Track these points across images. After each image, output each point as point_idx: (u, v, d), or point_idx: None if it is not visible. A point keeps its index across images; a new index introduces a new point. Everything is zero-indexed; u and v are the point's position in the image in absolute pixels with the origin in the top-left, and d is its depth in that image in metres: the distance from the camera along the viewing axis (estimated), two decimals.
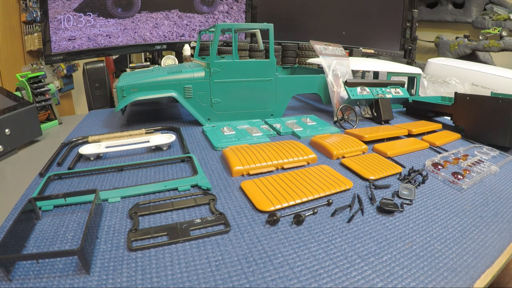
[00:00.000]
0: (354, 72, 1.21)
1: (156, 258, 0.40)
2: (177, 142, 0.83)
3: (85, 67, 1.30)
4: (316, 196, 0.55)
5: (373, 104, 1.05)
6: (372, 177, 0.62)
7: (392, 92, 1.07)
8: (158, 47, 1.49)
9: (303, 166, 0.69)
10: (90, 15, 1.29)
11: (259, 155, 0.68)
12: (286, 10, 1.76)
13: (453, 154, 0.77)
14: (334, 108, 1.03)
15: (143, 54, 1.85)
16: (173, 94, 0.89)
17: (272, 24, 0.93)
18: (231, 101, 0.95)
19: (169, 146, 0.78)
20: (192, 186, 0.58)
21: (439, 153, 0.79)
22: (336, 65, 1.08)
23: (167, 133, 0.85)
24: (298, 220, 0.48)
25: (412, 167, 0.68)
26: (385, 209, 0.51)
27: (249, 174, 0.64)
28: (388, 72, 1.20)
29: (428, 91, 1.42)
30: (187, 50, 1.37)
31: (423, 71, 1.44)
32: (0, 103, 0.84)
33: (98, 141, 0.78)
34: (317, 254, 0.42)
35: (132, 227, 0.45)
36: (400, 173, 0.66)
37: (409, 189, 0.58)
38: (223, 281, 0.37)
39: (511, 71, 1.48)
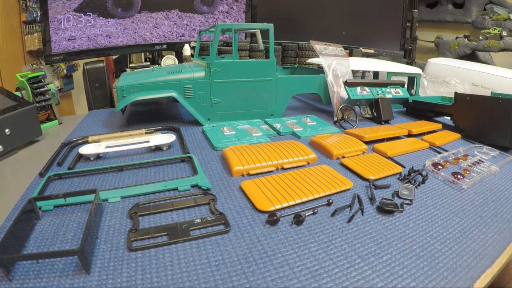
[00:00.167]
0: (354, 72, 1.21)
1: (156, 258, 0.40)
2: (177, 142, 0.83)
3: (85, 67, 1.30)
4: (316, 196, 0.55)
5: (373, 104, 1.05)
6: (372, 177, 0.62)
7: (392, 92, 1.07)
8: (158, 47, 1.49)
9: (303, 166, 0.69)
10: (90, 15, 1.29)
11: (259, 155, 0.68)
12: (286, 10, 1.76)
13: (453, 154, 0.77)
14: (334, 108, 1.03)
15: (143, 54, 1.85)
16: (173, 94, 0.89)
17: (272, 24, 0.93)
18: (231, 101, 0.95)
19: (169, 146, 0.78)
20: (192, 186, 0.58)
21: (439, 153, 0.79)
22: (336, 65, 1.08)
23: (167, 133, 0.85)
24: (298, 220, 0.48)
25: (412, 167, 0.68)
26: (385, 209, 0.51)
27: (249, 174, 0.64)
28: (388, 72, 1.20)
29: (428, 91, 1.42)
30: (187, 50, 1.37)
31: (423, 71, 1.44)
32: (0, 103, 0.84)
33: (98, 141, 0.78)
34: (317, 254, 0.42)
35: (132, 227, 0.45)
36: (400, 173, 0.66)
37: (409, 189, 0.58)
38: (223, 281, 0.37)
39: (511, 71, 1.48)
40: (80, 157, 0.71)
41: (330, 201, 0.53)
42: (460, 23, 2.63)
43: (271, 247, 0.43)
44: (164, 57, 1.43)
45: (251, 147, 0.73)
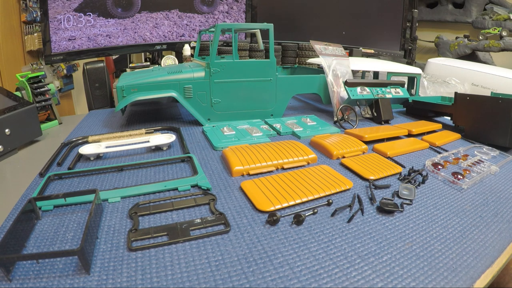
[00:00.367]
0: (354, 72, 1.21)
1: (156, 258, 0.40)
2: (177, 142, 0.83)
3: (85, 67, 1.30)
4: (316, 196, 0.55)
5: (373, 104, 1.05)
6: (372, 177, 0.62)
7: (392, 92, 1.07)
8: (158, 47, 1.49)
9: (303, 166, 0.69)
10: (90, 15, 1.29)
11: (259, 155, 0.68)
12: (286, 10, 1.76)
13: (453, 154, 0.77)
14: (334, 108, 1.03)
15: (143, 54, 1.85)
16: (173, 94, 0.89)
17: (272, 24, 0.93)
18: (231, 101, 0.95)
19: (169, 146, 0.78)
20: (192, 186, 0.58)
21: (439, 153, 0.79)
22: (336, 65, 1.08)
23: (167, 133, 0.85)
24: (298, 220, 0.48)
25: (412, 167, 0.68)
26: (385, 209, 0.51)
27: (249, 174, 0.64)
28: (388, 72, 1.20)
29: (428, 91, 1.42)
30: (187, 50, 1.37)
31: (423, 71, 1.44)
32: (0, 103, 0.84)
33: (98, 141, 0.78)
34: (317, 254, 0.42)
35: (132, 227, 0.45)
36: (400, 173, 0.66)
37: (409, 189, 0.58)
38: (223, 281, 0.37)
39: (511, 71, 1.48)
40: (80, 157, 0.71)
41: (330, 201, 0.53)
42: (460, 23, 2.63)
43: (271, 247, 0.43)
44: (164, 57, 1.43)
45: (251, 147, 0.73)
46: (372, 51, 1.91)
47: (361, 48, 1.83)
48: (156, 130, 0.88)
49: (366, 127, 0.94)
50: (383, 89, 1.06)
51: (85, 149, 0.70)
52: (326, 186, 0.57)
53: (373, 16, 1.92)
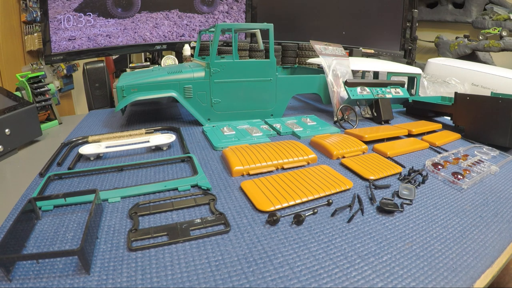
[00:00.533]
0: (354, 72, 1.21)
1: (156, 258, 0.40)
2: (177, 142, 0.83)
3: (85, 67, 1.30)
4: (316, 196, 0.55)
5: (373, 104, 1.05)
6: (372, 177, 0.62)
7: (392, 92, 1.07)
8: (158, 47, 1.49)
9: (303, 166, 0.69)
10: (90, 15, 1.29)
11: (259, 155, 0.68)
12: (286, 10, 1.76)
13: (453, 154, 0.77)
14: (334, 108, 1.03)
15: (143, 54, 1.85)
16: (173, 94, 0.89)
17: (272, 24, 0.93)
18: (231, 101, 0.95)
19: (169, 146, 0.78)
20: (192, 186, 0.58)
21: (439, 153, 0.79)
22: (336, 65, 1.08)
23: (167, 133, 0.85)
24: (298, 220, 0.48)
25: (412, 167, 0.68)
26: (385, 209, 0.51)
27: (249, 174, 0.64)
28: (388, 72, 1.20)
29: (428, 91, 1.42)
30: (187, 50, 1.37)
31: (423, 71, 1.44)
32: (0, 103, 0.84)
33: (98, 141, 0.78)
34: (317, 254, 0.42)
35: (132, 227, 0.45)
36: (400, 173, 0.66)
37: (409, 189, 0.58)
38: (223, 281, 0.37)
39: (511, 71, 1.48)
40: (80, 157, 0.71)
41: (330, 201, 0.53)
42: (460, 23, 2.63)
43: (271, 247, 0.43)
44: (164, 57, 1.43)
45: (251, 147, 0.73)
46: (372, 51, 1.91)
47: (361, 48, 1.83)
48: (156, 130, 0.88)
49: (366, 127, 0.94)
50: (383, 89, 1.06)
51: (85, 149, 0.70)
52: (326, 186, 0.57)
53: (373, 16, 1.92)
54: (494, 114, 0.83)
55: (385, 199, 0.54)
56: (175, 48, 1.53)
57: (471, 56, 2.40)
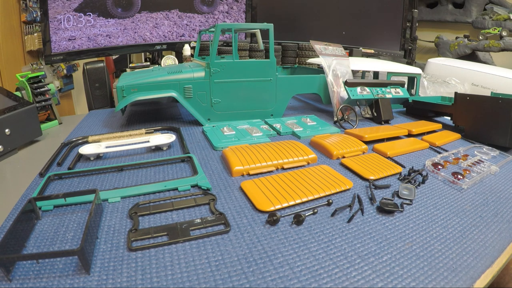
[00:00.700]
0: (354, 72, 1.21)
1: (156, 258, 0.40)
2: (177, 142, 0.83)
3: (85, 67, 1.30)
4: (316, 196, 0.55)
5: (373, 104, 1.05)
6: (372, 177, 0.62)
7: (392, 92, 1.07)
8: (158, 47, 1.49)
9: (303, 166, 0.69)
10: (90, 15, 1.29)
11: (259, 155, 0.68)
12: (286, 10, 1.76)
13: (453, 154, 0.77)
14: (334, 108, 1.03)
15: (143, 54, 1.85)
16: (173, 94, 0.89)
17: (272, 24, 0.93)
18: (231, 101, 0.95)
19: (169, 146, 0.78)
20: (192, 186, 0.58)
21: (439, 153, 0.79)
22: (336, 65, 1.08)
23: (167, 133, 0.85)
24: (298, 220, 0.48)
25: (412, 167, 0.68)
26: (385, 209, 0.51)
27: (249, 174, 0.64)
28: (388, 72, 1.20)
29: (428, 91, 1.42)
30: (187, 50, 1.37)
31: (423, 71, 1.44)
32: (0, 103, 0.84)
33: (98, 141, 0.78)
34: (317, 254, 0.42)
35: (132, 227, 0.45)
36: (400, 173, 0.66)
37: (409, 189, 0.58)
38: (223, 281, 0.37)
39: (511, 71, 1.48)
40: (80, 157, 0.71)
41: (330, 201, 0.53)
42: (460, 23, 2.63)
43: (271, 247, 0.43)
44: (164, 57, 1.43)
45: (251, 147, 0.73)
46: (372, 51, 1.91)
47: (361, 48, 1.83)
48: (156, 130, 0.88)
49: (366, 127, 0.94)
50: (383, 89, 1.06)
51: (85, 149, 0.70)
52: (326, 186, 0.57)
53: (373, 16, 1.92)
54: (494, 114, 0.83)
55: (385, 199, 0.54)
56: (175, 48, 1.53)
57: (471, 56, 2.40)
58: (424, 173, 0.66)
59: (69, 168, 0.65)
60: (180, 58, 1.43)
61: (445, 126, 0.99)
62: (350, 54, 1.69)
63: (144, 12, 1.41)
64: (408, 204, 0.55)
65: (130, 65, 1.59)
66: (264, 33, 1.01)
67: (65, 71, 1.73)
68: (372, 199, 0.55)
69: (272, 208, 0.51)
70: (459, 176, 0.64)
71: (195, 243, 0.43)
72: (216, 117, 0.96)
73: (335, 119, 0.99)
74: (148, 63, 1.61)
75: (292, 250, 0.42)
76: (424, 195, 0.58)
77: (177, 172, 0.64)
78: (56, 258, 0.40)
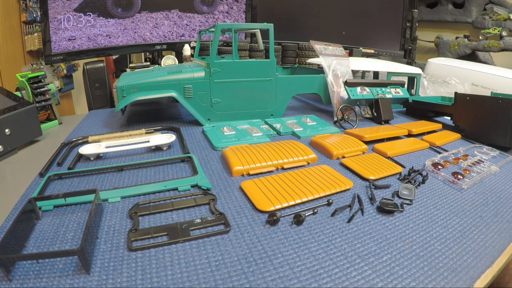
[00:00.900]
0: (354, 72, 1.21)
1: (156, 258, 0.40)
2: (177, 142, 0.83)
3: (85, 67, 1.30)
4: (316, 196, 0.55)
5: (373, 104, 1.05)
6: (372, 177, 0.62)
7: (392, 92, 1.07)
8: (158, 47, 1.49)
9: (303, 166, 0.69)
10: (90, 15, 1.29)
11: (259, 155, 0.68)
12: (286, 10, 1.76)
13: (453, 154, 0.77)
14: (334, 108, 1.03)
15: (143, 54, 1.85)
16: (173, 94, 0.89)
17: (272, 24, 0.93)
18: (231, 101, 0.95)
19: (169, 146, 0.78)
20: (192, 186, 0.58)
21: (439, 153, 0.79)
22: (336, 65, 1.08)
23: (167, 133, 0.85)
24: (298, 220, 0.48)
25: (412, 167, 0.68)
26: (385, 209, 0.51)
27: (249, 174, 0.64)
28: (388, 72, 1.20)
29: (428, 91, 1.42)
30: (187, 50, 1.37)
31: (423, 71, 1.44)
32: (0, 103, 0.84)
33: (98, 141, 0.78)
34: (317, 254, 0.42)
35: (132, 227, 0.45)
36: (400, 173, 0.66)
37: (409, 189, 0.58)
38: (223, 281, 0.37)
39: (511, 71, 1.48)
40: (80, 157, 0.71)
41: (330, 201, 0.53)
42: (460, 23, 2.63)
43: (271, 247, 0.43)
44: (164, 57, 1.43)
45: (251, 147, 0.73)
46: (372, 51, 1.91)
47: (361, 48, 1.83)
48: (156, 130, 0.88)
49: (366, 127, 0.94)
50: (383, 89, 1.06)
51: (85, 149, 0.70)
52: (326, 186, 0.57)
53: (373, 16, 1.92)
54: (494, 114, 0.83)
55: (385, 199, 0.54)
56: (175, 48, 1.53)
57: (471, 56, 2.40)
58: (424, 173, 0.66)
59: (69, 168, 0.65)
60: (180, 58, 1.43)
61: (445, 126, 0.99)
62: (350, 54, 1.69)
63: (144, 12, 1.41)
64: (408, 204, 0.55)
65: (130, 65, 1.59)
66: (264, 33, 1.01)
67: (65, 71, 1.73)
68: (372, 199, 0.55)
69: (272, 208, 0.51)
70: (459, 176, 0.64)
71: (195, 243, 0.43)
72: (216, 117, 0.96)
73: (335, 119, 0.99)
74: (148, 63, 1.61)
75: (292, 250, 0.42)
76: (424, 195, 0.58)
77: (177, 172, 0.64)
78: (56, 258, 0.40)
